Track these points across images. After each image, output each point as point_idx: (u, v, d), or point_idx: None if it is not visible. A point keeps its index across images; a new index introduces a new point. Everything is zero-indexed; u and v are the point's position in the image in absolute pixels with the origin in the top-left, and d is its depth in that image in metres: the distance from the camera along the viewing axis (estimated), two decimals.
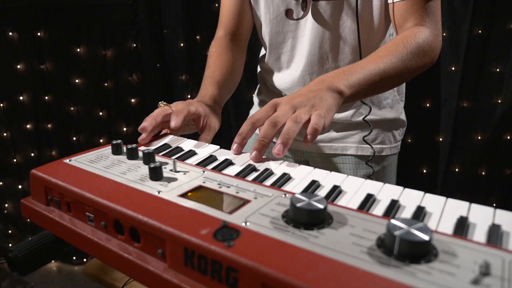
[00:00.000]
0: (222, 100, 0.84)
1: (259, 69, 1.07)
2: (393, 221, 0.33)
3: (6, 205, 2.24)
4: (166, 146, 0.62)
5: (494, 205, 1.84)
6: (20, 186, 2.20)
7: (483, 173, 1.82)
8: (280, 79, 0.97)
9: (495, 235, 0.37)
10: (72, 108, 2.08)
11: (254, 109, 1.11)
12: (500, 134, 1.76)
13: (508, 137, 1.76)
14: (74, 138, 2.14)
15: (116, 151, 0.55)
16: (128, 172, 0.49)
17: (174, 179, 0.47)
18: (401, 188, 0.47)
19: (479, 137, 1.78)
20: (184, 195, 0.43)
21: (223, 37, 0.96)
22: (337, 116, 0.95)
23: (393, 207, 0.43)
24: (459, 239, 0.35)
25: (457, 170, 1.85)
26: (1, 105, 2.05)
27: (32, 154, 2.15)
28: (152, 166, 0.47)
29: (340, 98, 0.65)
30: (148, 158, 0.51)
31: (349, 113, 0.94)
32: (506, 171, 1.80)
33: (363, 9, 0.83)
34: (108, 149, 0.57)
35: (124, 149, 0.56)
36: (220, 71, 0.88)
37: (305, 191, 0.47)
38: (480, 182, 1.83)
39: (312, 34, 0.87)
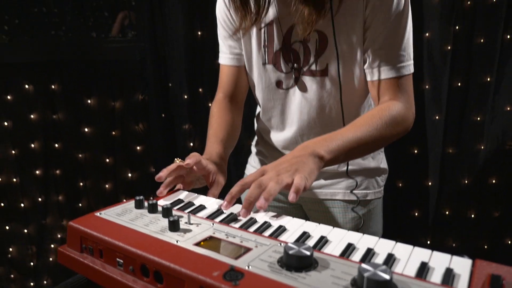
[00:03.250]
0: (226, 156, 0.95)
1: (256, 125, 1.19)
2: (363, 265, 0.43)
3: (10, 249, 2.28)
4: (179, 201, 0.73)
5: (486, 246, 1.92)
6: (25, 231, 2.26)
7: (473, 215, 1.91)
8: (274, 138, 1.10)
9: (447, 276, 0.47)
10: (80, 155, 2.20)
11: (252, 158, 1.23)
12: (485, 178, 1.86)
13: (494, 181, 1.86)
14: (81, 184, 2.23)
15: (139, 205, 0.66)
16: (150, 224, 0.59)
17: (189, 230, 0.57)
18: (376, 238, 0.57)
19: (466, 181, 1.88)
20: (198, 244, 0.54)
21: (223, 99, 1.09)
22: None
23: (368, 254, 0.53)
24: (419, 280, 0.45)
25: (447, 212, 1.94)
26: (13, 152, 2.17)
27: (40, 199, 2.23)
28: (171, 219, 0.57)
29: (321, 162, 0.75)
30: (167, 212, 0.62)
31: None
32: (494, 213, 1.88)
33: (344, 81, 0.95)
34: (131, 204, 0.67)
35: (146, 203, 0.66)
36: (222, 130, 1.00)
37: (297, 241, 0.57)
38: (470, 223, 1.91)
39: (301, 103, 1.00)
